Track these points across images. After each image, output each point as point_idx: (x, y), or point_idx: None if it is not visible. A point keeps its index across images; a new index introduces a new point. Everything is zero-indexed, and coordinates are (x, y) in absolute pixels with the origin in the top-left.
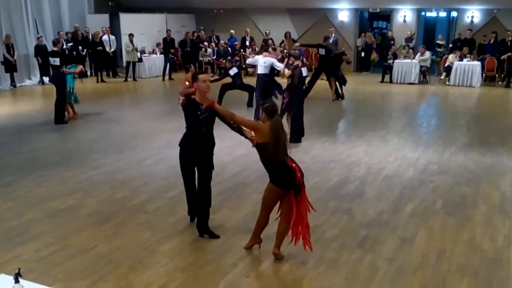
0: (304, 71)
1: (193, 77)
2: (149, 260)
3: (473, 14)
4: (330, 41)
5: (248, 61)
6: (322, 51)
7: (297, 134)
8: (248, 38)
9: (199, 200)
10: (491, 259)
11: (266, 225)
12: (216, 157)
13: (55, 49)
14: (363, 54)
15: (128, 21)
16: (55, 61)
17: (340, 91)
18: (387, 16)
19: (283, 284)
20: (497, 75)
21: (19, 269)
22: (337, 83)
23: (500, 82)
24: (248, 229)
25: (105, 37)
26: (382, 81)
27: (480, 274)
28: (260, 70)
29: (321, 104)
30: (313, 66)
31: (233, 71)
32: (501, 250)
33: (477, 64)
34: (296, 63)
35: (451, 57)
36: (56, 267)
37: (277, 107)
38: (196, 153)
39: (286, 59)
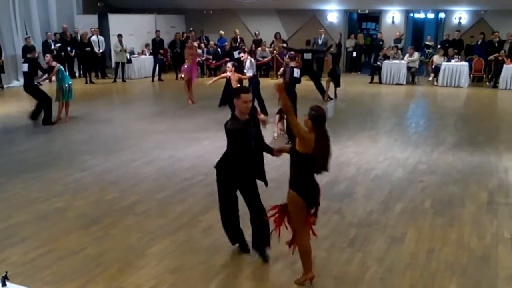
0: (296, 72)
1: (235, 93)
2: (138, 262)
3: (461, 15)
4: (320, 42)
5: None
6: (308, 56)
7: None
8: (238, 39)
9: (257, 222)
10: (479, 258)
11: (310, 248)
12: (208, 158)
13: (29, 55)
14: (354, 54)
15: (117, 22)
16: (24, 67)
17: (334, 91)
18: (375, 17)
19: (274, 284)
20: (484, 76)
21: (6, 272)
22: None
23: (487, 83)
24: None
25: (93, 38)
26: (371, 82)
27: (469, 272)
28: (249, 73)
29: (311, 105)
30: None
31: (236, 54)
32: (489, 249)
33: (465, 64)
34: (291, 64)
35: (436, 57)
36: (45, 269)
37: (326, 115)
38: (246, 172)
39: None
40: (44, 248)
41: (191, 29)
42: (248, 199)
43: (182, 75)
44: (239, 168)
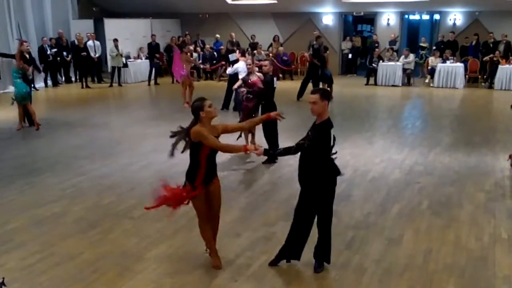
0: (275, 81)
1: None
2: (136, 266)
3: (456, 17)
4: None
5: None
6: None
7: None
8: (234, 42)
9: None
10: (477, 258)
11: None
12: None
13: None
14: (350, 55)
15: (113, 26)
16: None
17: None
18: (371, 19)
19: (272, 286)
20: (480, 76)
21: (4, 278)
22: (321, 83)
23: (483, 83)
24: (235, 233)
25: (89, 43)
26: (367, 84)
27: (467, 273)
28: (242, 75)
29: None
30: (298, 70)
31: (232, 57)
32: (486, 249)
33: (460, 66)
34: (269, 72)
35: (431, 59)
36: (42, 275)
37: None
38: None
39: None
40: (41, 253)
41: (187, 33)
42: (324, 214)
43: (179, 80)
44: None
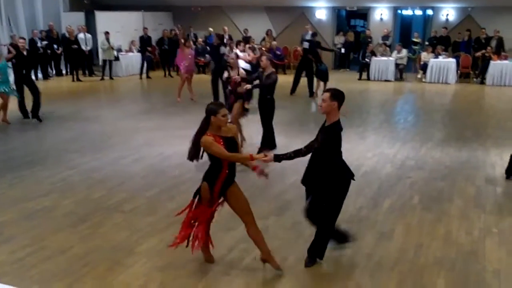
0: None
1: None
2: (127, 260)
3: (448, 12)
4: (307, 38)
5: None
6: (306, 45)
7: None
8: (226, 36)
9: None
10: (467, 252)
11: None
12: None
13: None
14: (343, 50)
15: (104, 19)
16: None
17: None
18: (364, 14)
19: (264, 282)
20: (471, 72)
21: None
22: (316, 79)
23: (474, 79)
24: (228, 227)
25: (80, 35)
26: (360, 79)
27: (457, 267)
28: (244, 65)
29: (301, 102)
30: (291, 64)
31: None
32: (476, 243)
33: (452, 61)
34: (269, 68)
35: (423, 55)
36: (32, 269)
37: None
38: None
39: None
40: (31, 247)
41: (179, 26)
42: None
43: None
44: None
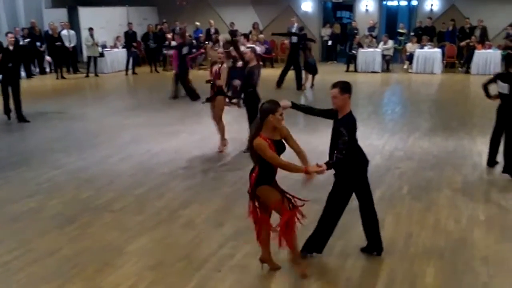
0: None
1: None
2: (117, 260)
3: (432, 3)
4: (293, 31)
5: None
6: (294, 39)
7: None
8: (212, 30)
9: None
10: (456, 240)
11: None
12: (186, 151)
13: None
14: (330, 42)
15: (88, 15)
16: None
17: (311, 81)
18: (350, 6)
19: (256, 277)
20: (456, 62)
21: None
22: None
23: (460, 68)
24: (218, 223)
25: (64, 32)
26: (347, 70)
27: (446, 255)
28: None
29: (289, 94)
30: (278, 57)
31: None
32: (464, 232)
33: (437, 51)
34: (253, 61)
35: (409, 45)
36: (19, 272)
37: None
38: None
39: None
40: (18, 250)
41: (164, 20)
42: (366, 197)
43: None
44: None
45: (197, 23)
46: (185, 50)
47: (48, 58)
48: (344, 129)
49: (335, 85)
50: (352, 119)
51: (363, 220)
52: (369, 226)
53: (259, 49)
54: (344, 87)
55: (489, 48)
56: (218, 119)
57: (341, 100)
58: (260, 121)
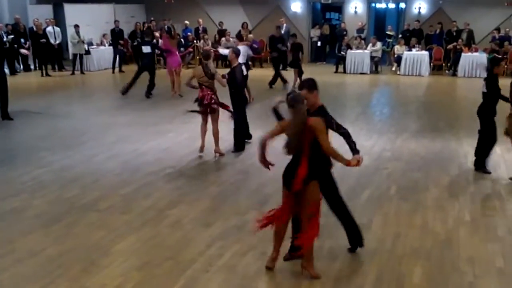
0: (244, 69)
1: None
2: (103, 260)
3: (420, 5)
4: (282, 31)
5: (222, 51)
6: (283, 47)
7: (238, 144)
8: (201, 29)
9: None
10: (443, 241)
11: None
12: (174, 151)
13: None
14: (319, 43)
15: (73, 12)
16: None
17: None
18: (338, 7)
19: (245, 276)
20: (444, 64)
21: None
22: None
23: (447, 71)
24: (206, 223)
25: (49, 29)
26: (336, 72)
27: (433, 256)
28: (240, 60)
29: (278, 95)
30: (268, 58)
31: (147, 49)
32: (451, 232)
33: (425, 54)
34: (235, 61)
35: (397, 47)
36: (2, 273)
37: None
38: None
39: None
40: (1, 250)
41: (152, 19)
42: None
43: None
44: None
45: (186, 22)
46: (145, 49)
47: (23, 51)
48: (328, 119)
49: (301, 87)
50: (325, 109)
51: (336, 216)
52: (343, 221)
53: (243, 50)
54: (310, 85)
55: (476, 51)
56: (215, 130)
57: (312, 98)
58: (299, 108)
